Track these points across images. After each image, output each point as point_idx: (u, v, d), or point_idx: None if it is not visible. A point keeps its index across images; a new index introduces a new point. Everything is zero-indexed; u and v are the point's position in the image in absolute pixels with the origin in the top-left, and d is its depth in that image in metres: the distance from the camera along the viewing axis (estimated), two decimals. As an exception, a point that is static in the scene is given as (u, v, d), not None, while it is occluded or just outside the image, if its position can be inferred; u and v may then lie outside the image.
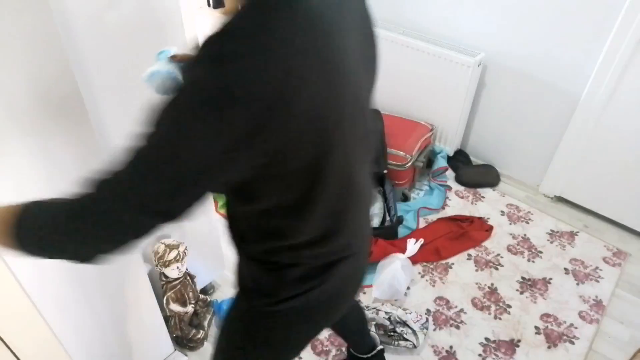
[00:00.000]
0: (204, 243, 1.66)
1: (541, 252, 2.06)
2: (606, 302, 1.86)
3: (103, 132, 1.12)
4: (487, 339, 1.72)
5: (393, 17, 2.44)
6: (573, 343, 1.71)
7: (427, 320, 1.72)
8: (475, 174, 2.46)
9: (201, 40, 0.55)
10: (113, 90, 1.11)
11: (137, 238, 0.61)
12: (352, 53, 0.66)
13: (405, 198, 2.33)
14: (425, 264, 2.00)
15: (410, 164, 2.20)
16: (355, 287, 0.96)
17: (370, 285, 1.88)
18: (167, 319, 1.54)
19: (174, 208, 0.59)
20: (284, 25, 0.55)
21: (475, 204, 2.32)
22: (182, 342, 1.63)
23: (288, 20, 0.56)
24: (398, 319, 1.67)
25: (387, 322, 1.66)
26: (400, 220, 2.02)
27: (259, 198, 0.69)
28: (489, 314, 1.81)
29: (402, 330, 1.65)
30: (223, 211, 2.21)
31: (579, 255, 2.05)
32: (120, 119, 1.15)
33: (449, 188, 2.40)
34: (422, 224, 2.19)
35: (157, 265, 1.43)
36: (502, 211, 2.28)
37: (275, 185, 0.65)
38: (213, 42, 0.54)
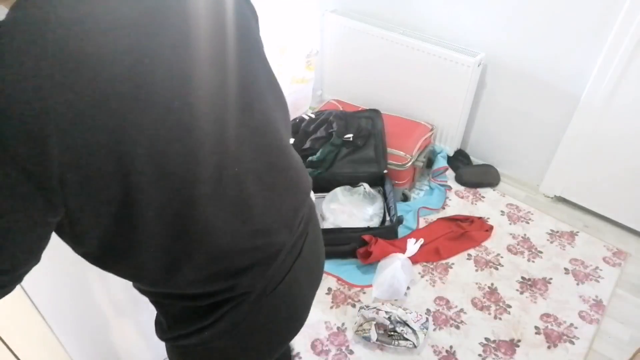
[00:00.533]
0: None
1: (541, 252, 2.06)
2: (606, 302, 1.86)
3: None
4: (487, 339, 1.72)
5: (393, 17, 2.44)
6: (573, 343, 1.71)
7: (427, 320, 1.72)
8: (475, 173, 2.46)
9: None
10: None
11: None
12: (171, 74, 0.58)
13: (405, 198, 2.33)
14: (425, 264, 2.00)
15: (410, 163, 2.20)
16: (282, 327, 0.85)
17: (370, 285, 1.88)
18: (167, 319, 1.54)
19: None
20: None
21: (475, 204, 2.32)
22: (182, 342, 1.63)
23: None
24: (398, 319, 1.67)
25: (387, 322, 1.66)
26: (400, 220, 2.02)
27: (79, 245, 0.62)
28: (489, 314, 1.81)
29: (402, 330, 1.65)
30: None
31: (579, 255, 2.05)
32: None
33: (449, 188, 2.40)
34: (422, 224, 2.19)
35: (157, 265, 1.43)
36: (502, 211, 2.28)
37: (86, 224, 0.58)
38: None
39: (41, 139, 0.49)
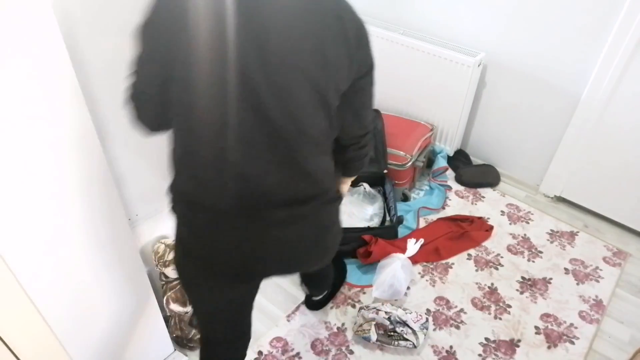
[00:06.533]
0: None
1: (541, 252, 2.06)
2: (606, 302, 1.86)
3: (102, 132, 1.12)
4: (487, 339, 1.72)
5: (393, 17, 2.44)
6: (573, 343, 1.71)
7: (427, 320, 1.72)
8: (475, 173, 2.46)
9: None
10: (112, 89, 1.11)
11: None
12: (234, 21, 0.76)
13: (406, 198, 2.33)
14: (425, 264, 2.00)
15: (410, 163, 2.20)
16: (245, 257, 0.96)
17: (370, 285, 1.88)
18: (167, 319, 1.54)
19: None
20: None
21: (476, 204, 2.32)
22: (182, 342, 1.63)
23: None
24: (398, 319, 1.67)
25: (387, 322, 1.66)
26: (400, 220, 2.02)
27: None
28: (489, 314, 1.81)
29: (402, 330, 1.65)
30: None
31: (579, 255, 2.05)
32: (119, 118, 1.15)
33: (449, 188, 2.40)
34: (422, 224, 2.19)
35: (157, 265, 1.43)
36: (502, 211, 2.28)
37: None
38: None
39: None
